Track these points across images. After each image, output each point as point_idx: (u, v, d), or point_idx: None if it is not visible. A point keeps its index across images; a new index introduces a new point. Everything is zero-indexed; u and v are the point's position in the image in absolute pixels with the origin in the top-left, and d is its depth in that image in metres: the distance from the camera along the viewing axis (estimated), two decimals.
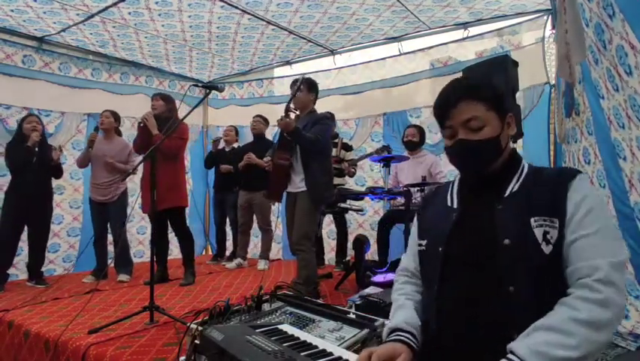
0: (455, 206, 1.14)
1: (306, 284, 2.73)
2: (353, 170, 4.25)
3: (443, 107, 1.09)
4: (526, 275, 0.95)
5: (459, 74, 3.26)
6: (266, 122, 4.54)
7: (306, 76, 3.15)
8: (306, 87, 2.99)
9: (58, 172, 3.84)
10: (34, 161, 3.57)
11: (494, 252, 0.99)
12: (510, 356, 0.85)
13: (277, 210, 4.51)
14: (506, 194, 1.05)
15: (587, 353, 0.82)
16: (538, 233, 0.96)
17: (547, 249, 0.95)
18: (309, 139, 2.75)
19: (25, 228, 3.72)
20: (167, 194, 3.45)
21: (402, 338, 1.04)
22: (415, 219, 1.29)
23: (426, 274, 1.18)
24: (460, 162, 1.13)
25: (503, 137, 1.07)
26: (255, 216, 4.53)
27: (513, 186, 1.06)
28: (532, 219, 0.97)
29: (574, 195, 0.96)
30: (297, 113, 3.00)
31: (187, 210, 3.89)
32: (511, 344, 0.87)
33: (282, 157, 2.87)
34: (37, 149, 3.58)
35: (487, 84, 1.10)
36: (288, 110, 2.85)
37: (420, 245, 1.20)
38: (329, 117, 3.03)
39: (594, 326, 0.84)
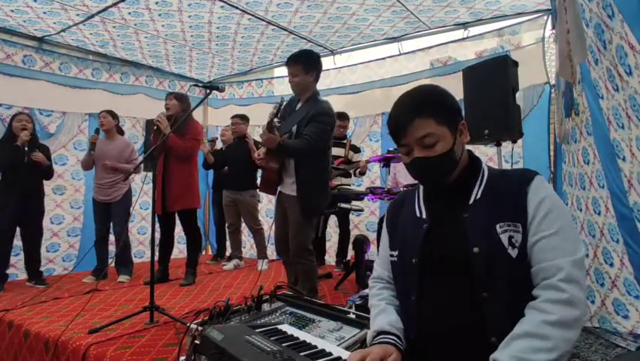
0: (424, 216, 1.15)
1: (310, 295, 2.50)
2: (366, 168, 4.22)
3: (398, 127, 1.10)
4: (498, 280, 0.98)
5: (459, 74, 3.25)
6: (245, 120, 4.44)
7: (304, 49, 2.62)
8: (302, 67, 2.54)
9: (48, 173, 3.76)
10: (25, 161, 3.50)
11: (466, 260, 1.01)
12: None
13: (266, 209, 4.44)
14: (470, 202, 1.08)
15: (563, 352, 0.87)
16: (504, 238, 0.99)
17: (513, 253, 0.98)
18: (300, 150, 2.45)
19: (18, 229, 3.66)
20: (181, 195, 3.43)
21: (389, 340, 1.04)
22: (384, 228, 1.29)
23: (400, 285, 1.18)
24: (420, 178, 1.16)
25: (457, 147, 1.09)
26: (242, 217, 4.46)
27: (476, 193, 1.08)
28: (497, 226, 1.00)
29: (533, 198, 1.00)
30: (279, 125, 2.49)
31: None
32: (493, 355, 0.89)
33: (272, 162, 2.58)
34: (26, 148, 3.51)
35: (432, 99, 1.10)
36: (271, 125, 2.37)
37: (392, 255, 1.20)
38: (329, 114, 2.58)
39: (565, 325, 0.88)
